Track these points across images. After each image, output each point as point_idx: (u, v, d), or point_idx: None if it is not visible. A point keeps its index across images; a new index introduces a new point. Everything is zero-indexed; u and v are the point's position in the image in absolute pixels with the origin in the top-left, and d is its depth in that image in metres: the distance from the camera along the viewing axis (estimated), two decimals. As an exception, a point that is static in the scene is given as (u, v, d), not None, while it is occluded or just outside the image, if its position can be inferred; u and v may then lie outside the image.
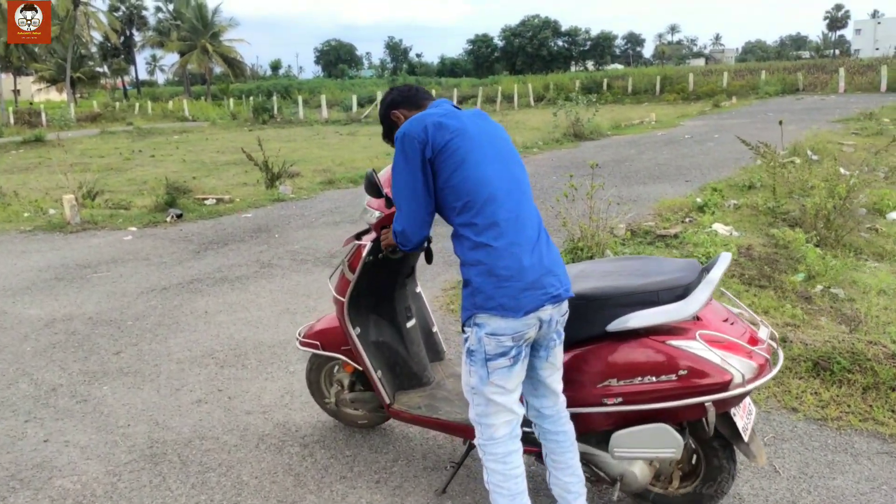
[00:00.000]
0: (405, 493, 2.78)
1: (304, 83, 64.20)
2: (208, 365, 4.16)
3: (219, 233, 7.95)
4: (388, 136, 2.38)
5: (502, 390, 2.15)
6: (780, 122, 10.43)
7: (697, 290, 2.23)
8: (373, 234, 2.63)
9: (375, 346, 2.87)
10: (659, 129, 18.61)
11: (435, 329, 3.16)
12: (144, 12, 65.78)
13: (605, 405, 2.32)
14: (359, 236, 2.71)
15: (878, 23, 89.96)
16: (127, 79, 70.59)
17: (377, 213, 2.58)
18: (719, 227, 6.59)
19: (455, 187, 2.09)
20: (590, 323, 2.27)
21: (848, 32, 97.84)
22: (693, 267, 2.35)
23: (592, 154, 13.30)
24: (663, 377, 2.21)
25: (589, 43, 78.30)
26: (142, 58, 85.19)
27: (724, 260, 2.31)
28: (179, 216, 8.82)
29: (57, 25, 38.27)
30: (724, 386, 2.16)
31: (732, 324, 2.35)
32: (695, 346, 2.19)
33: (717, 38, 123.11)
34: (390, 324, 2.94)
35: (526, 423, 2.33)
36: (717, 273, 2.23)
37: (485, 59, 77.53)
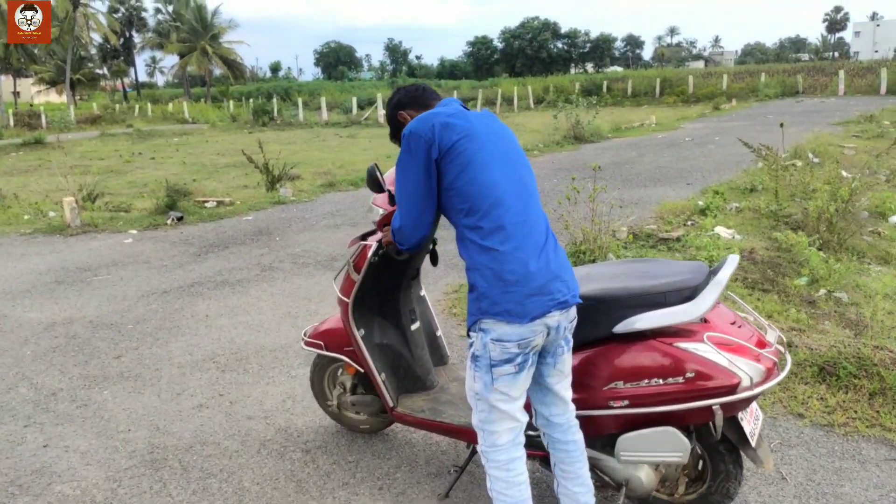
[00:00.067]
0: (408, 500, 2.75)
1: (303, 85, 64.19)
2: (209, 369, 4.13)
3: (219, 236, 7.92)
4: (396, 136, 2.33)
5: (506, 397, 2.12)
6: (782, 125, 10.42)
7: (705, 292, 2.21)
8: (379, 235, 2.61)
9: (379, 348, 2.84)
10: (659, 132, 18.60)
11: (439, 333, 3.13)
12: (144, 14, 65.89)
13: (612, 408, 2.29)
14: (364, 237, 2.69)
15: (878, 25, 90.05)
16: (127, 81, 70.58)
17: (381, 211, 2.56)
18: (721, 231, 6.57)
19: (461, 189, 2.06)
20: (596, 325, 2.25)
21: (847, 35, 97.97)
22: (700, 269, 2.33)
23: (593, 156, 13.28)
24: (670, 380, 2.19)
25: (588, 45, 78.41)
26: (141, 60, 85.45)
27: (732, 262, 2.29)
28: (180, 219, 8.80)
29: (56, 27, 38.28)
30: (732, 389, 2.14)
31: (740, 327, 2.33)
32: (702, 349, 2.17)
33: (717, 40, 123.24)
34: (394, 326, 2.92)
35: (530, 426, 2.30)
36: (724, 275, 2.22)
37: (484, 61, 77.61)
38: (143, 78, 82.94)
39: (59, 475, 3.04)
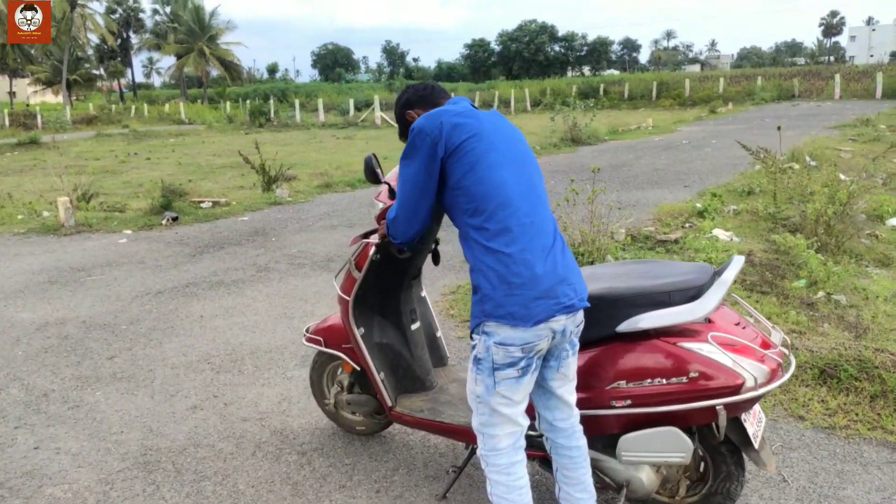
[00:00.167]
0: (406, 503, 2.71)
1: (300, 87, 64.17)
2: (204, 370, 4.09)
3: (215, 236, 7.87)
4: (404, 135, 2.28)
5: (508, 401, 2.07)
6: (779, 128, 10.42)
7: (710, 292, 2.18)
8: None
9: (379, 347, 2.81)
10: (656, 135, 18.62)
11: (439, 334, 3.10)
12: (141, 15, 65.74)
13: (614, 407, 2.26)
14: (366, 235, 2.66)
15: (873, 30, 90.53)
16: (123, 81, 70.43)
17: (381, 205, 2.54)
18: (720, 233, 6.55)
19: (468, 189, 2.01)
20: (600, 324, 2.21)
21: (843, 39, 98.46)
22: (705, 270, 2.30)
23: (590, 159, 13.27)
24: (674, 379, 2.16)
25: (585, 48, 78.54)
26: (138, 60, 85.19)
27: (737, 263, 2.27)
28: (175, 219, 8.75)
29: (54, 27, 38.16)
30: (736, 389, 2.11)
31: (744, 328, 2.30)
32: (706, 349, 2.14)
33: (713, 44, 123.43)
34: (395, 326, 2.88)
35: (530, 426, 2.26)
36: (730, 275, 2.19)
37: (481, 63, 77.68)
38: (139, 79, 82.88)
39: (51, 477, 2.99)
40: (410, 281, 2.90)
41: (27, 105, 46.32)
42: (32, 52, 45.91)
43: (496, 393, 2.06)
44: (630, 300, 2.22)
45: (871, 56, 72.79)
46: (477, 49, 78.93)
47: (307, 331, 3.11)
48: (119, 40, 59.90)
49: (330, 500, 2.75)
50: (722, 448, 2.32)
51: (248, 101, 40.84)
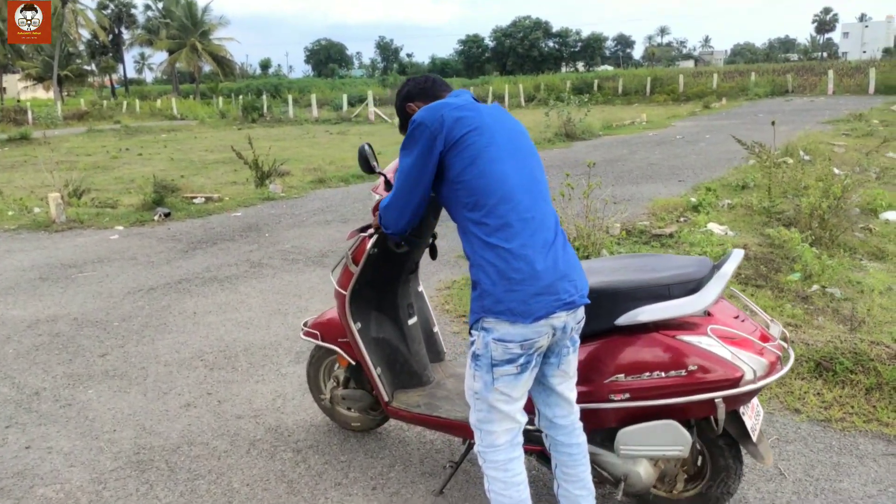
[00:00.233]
0: (403, 500, 2.69)
1: (293, 82, 63.93)
2: (197, 367, 4.05)
3: (208, 232, 7.82)
4: (404, 128, 2.24)
5: (507, 398, 2.05)
6: (773, 123, 10.44)
7: (710, 284, 2.17)
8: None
9: (376, 342, 2.78)
10: (650, 130, 18.63)
11: (436, 329, 3.08)
12: (133, 10, 65.38)
13: (613, 401, 2.24)
14: (363, 230, 2.63)
15: (866, 26, 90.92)
16: (115, 77, 70.07)
17: (377, 197, 2.52)
18: (714, 227, 6.55)
19: (468, 183, 1.98)
20: (599, 317, 2.19)
21: (836, 35, 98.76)
22: (704, 263, 2.29)
23: (585, 154, 13.26)
24: (673, 372, 2.15)
25: (579, 44, 78.57)
26: (130, 56, 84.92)
27: (737, 256, 2.26)
28: (167, 215, 8.69)
29: (44, 23, 37.83)
30: (735, 382, 2.10)
31: (743, 321, 2.29)
32: (706, 342, 2.13)
33: (707, 40, 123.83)
34: (392, 321, 2.86)
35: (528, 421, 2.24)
36: (729, 268, 2.18)
37: (476, 59, 77.60)
38: (131, 74, 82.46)
39: (42, 477, 2.95)
40: (408, 275, 2.87)
41: (18, 101, 45.91)
42: (23, 47, 45.50)
43: (494, 389, 2.04)
44: (629, 293, 2.20)
45: (864, 52, 73.12)
46: (471, 45, 78.85)
47: (305, 325, 3.09)
48: (111, 36, 59.53)
49: (326, 498, 2.73)
50: (720, 442, 2.31)
51: (240, 97, 40.63)
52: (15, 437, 3.29)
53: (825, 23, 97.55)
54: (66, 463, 3.06)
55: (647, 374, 2.17)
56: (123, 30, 65.15)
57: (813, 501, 2.59)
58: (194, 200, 9.64)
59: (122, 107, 41.36)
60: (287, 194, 10.20)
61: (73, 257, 6.79)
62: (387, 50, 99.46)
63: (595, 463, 2.36)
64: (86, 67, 58.62)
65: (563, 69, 73.82)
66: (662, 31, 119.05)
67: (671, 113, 24.91)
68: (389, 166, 2.49)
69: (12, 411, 3.57)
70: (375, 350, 2.77)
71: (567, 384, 2.17)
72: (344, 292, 2.66)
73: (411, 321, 2.90)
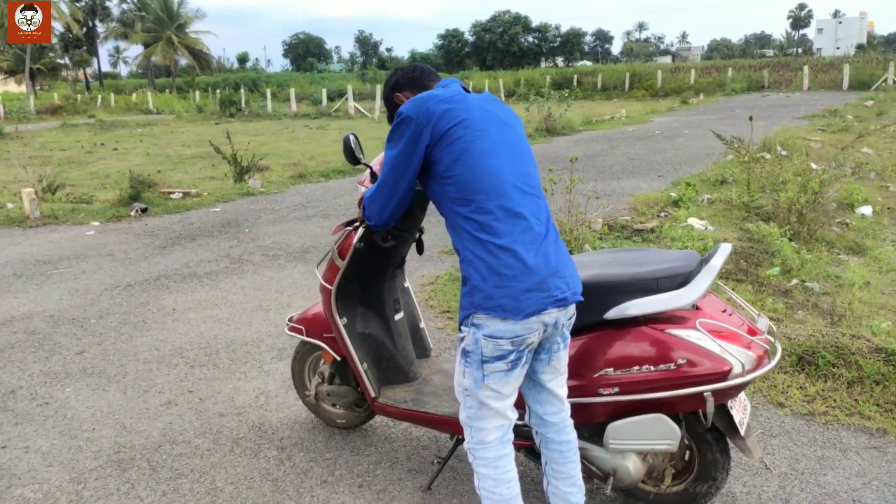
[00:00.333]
0: (390, 497, 2.67)
1: (272, 76, 63.28)
2: (177, 365, 3.99)
3: (186, 227, 7.71)
4: (392, 119, 2.19)
5: (497, 395, 2.02)
6: (751, 118, 10.56)
7: (698, 278, 2.17)
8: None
9: (362, 337, 2.75)
10: (629, 125, 18.74)
11: (422, 325, 3.05)
12: (108, 3, 64.05)
13: (602, 395, 2.24)
14: (350, 223, 2.59)
15: (840, 22, 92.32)
16: (89, 71, 68.67)
17: (363, 189, 2.48)
18: (694, 222, 6.60)
19: (458, 177, 1.95)
20: (587, 311, 2.18)
21: (810, 31, 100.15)
22: (692, 257, 2.29)
23: (565, 149, 13.29)
24: (662, 366, 2.15)
25: (559, 39, 78.75)
26: (105, 49, 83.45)
27: (724, 250, 2.26)
28: (144, 210, 8.55)
29: (14, 14, 37.02)
30: (724, 376, 2.11)
31: (730, 315, 2.30)
32: (695, 335, 2.13)
33: (684, 35, 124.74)
34: (378, 316, 2.82)
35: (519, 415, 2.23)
36: (717, 261, 2.18)
37: (455, 54, 77.42)
38: (106, 68, 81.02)
39: (20, 478, 2.88)
40: (394, 270, 2.84)
41: (-12, 94, 44.95)
42: (-8, 39, 44.52)
43: (485, 386, 2.02)
44: (618, 287, 2.20)
45: (838, 48, 74.20)
46: (451, 39, 78.65)
47: (289, 320, 3.05)
48: (84, 29, 58.33)
49: (311, 496, 2.70)
50: (708, 436, 2.32)
51: (217, 91, 40.08)
52: (-10, 438, 3.21)
53: (800, 19, 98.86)
54: (44, 462, 2.99)
55: (637, 367, 2.17)
56: (98, 22, 63.82)
57: (798, 495, 2.61)
58: (172, 196, 9.50)
59: (97, 101, 40.67)
60: (267, 189, 10.09)
61: (48, 253, 6.65)
62: (366, 44, 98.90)
63: (584, 458, 2.36)
64: (59, 61, 57.61)
65: (543, 64, 73.92)
66: (640, 27, 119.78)
67: (650, 108, 25.09)
68: (376, 159, 2.46)
69: (-13, 411, 3.48)
70: (361, 345, 2.73)
71: (557, 381, 2.15)
72: (330, 287, 2.63)
73: (398, 316, 2.87)
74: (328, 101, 33.02)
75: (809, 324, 4.01)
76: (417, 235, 2.67)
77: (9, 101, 36.21)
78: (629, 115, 21.62)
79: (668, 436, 2.20)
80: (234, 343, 4.28)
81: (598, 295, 2.19)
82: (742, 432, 2.28)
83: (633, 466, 2.31)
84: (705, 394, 2.12)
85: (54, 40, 54.78)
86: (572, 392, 2.24)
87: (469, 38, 77.88)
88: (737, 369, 2.11)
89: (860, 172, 9.27)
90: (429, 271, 5.55)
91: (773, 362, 2.21)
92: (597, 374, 2.23)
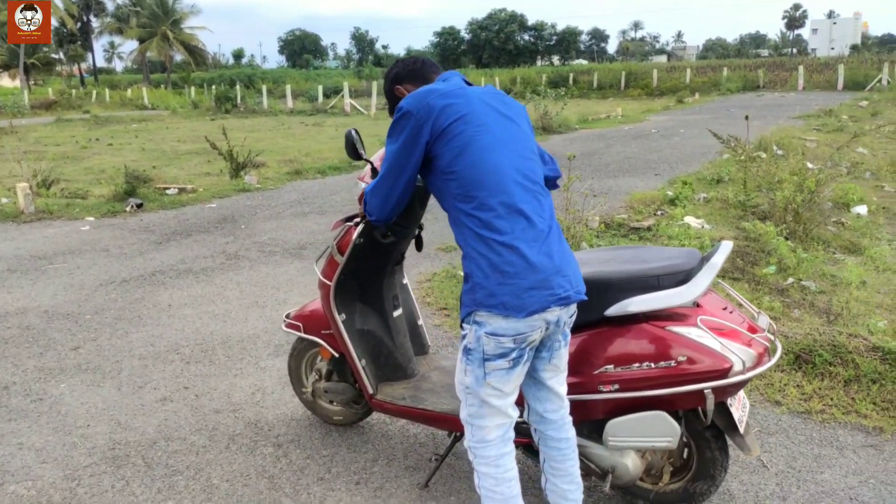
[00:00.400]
0: (387, 495, 2.65)
1: (267, 73, 63.17)
2: (173, 361, 3.96)
3: (182, 223, 7.67)
4: (393, 112, 2.16)
5: (499, 393, 2.01)
6: (747, 118, 10.55)
7: (699, 275, 2.17)
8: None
9: (360, 334, 2.73)
10: (625, 124, 18.76)
11: (420, 322, 3.04)
12: (102, -2, 63.70)
13: (602, 392, 2.23)
14: (349, 219, 2.58)
15: (834, 23, 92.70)
16: (84, 66, 68.34)
17: (363, 185, 2.46)
18: (691, 220, 6.61)
19: (459, 173, 1.92)
20: (588, 308, 2.17)
21: (805, 32, 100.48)
22: (693, 254, 2.29)
23: (562, 147, 13.28)
24: (662, 363, 2.14)
25: (555, 38, 78.84)
26: (99, 45, 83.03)
27: (725, 248, 2.25)
28: (139, 206, 8.51)
29: (8, 8, 36.79)
30: (724, 373, 2.10)
31: (731, 312, 2.30)
32: (695, 333, 2.13)
33: (679, 35, 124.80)
34: (377, 312, 2.81)
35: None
36: (718, 259, 2.17)
37: (451, 51, 77.37)
38: (101, 63, 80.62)
39: (13, 474, 2.86)
40: (394, 266, 2.83)
41: (-18, 89, 44.66)
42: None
43: (486, 384, 2.00)
44: (619, 284, 2.19)
45: (833, 49, 74.51)
46: (447, 37, 78.62)
47: (287, 316, 3.03)
48: (79, 24, 58.00)
49: (308, 493, 2.68)
50: (706, 433, 2.31)
51: (213, 87, 39.93)
52: (-17, 434, 3.18)
53: (795, 19, 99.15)
54: (37, 459, 2.96)
55: (637, 364, 2.16)
56: (92, 17, 63.41)
57: (795, 493, 2.61)
58: (167, 191, 9.46)
59: (92, 96, 40.42)
60: (263, 186, 10.06)
61: (43, 249, 6.61)
62: (362, 41, 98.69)
63: (582, 455, 2.35)
64: (53, 56, 57.22)
65: (539, 63, 74.03)
66: (636, 26, 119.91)
67: (646, 107, 25.12)
68: (377, 154, 2.44)
69: (-20, 407, 3.45)
70: (360, 342, 2.72)
71: (558, 378, 2.14)
72: (329, 283, 2.61)
73: (396, 313, 2.86)
74: (324, 98, 32.94)
75: (806, 322, 4.01)
76: (417, 232, 2.66)
77: (3, 95, 36.01)
78: (625, 113, 21.64)
79: (668, 433, 2.20)
80: (230, 339, 4.26)
81: (599, 292, 2.18)
82: (741, 430, 2.28)
83: (631, 464, 2.30)
84: (706, 391, 2.11)
85: (49, 35, 54.49)
86: (572, 389, 2.23)
87: (465, 35, 77.88)
88: (737, 367, 2.10)
89: (855, 172, 9.29)
90: (426, 268, 5.54)
91: (774, 360, 2.21)
92: (597, 371, 2.22)
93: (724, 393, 2.17)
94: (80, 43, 63.67)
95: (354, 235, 2.51)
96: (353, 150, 2.37)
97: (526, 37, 76.87)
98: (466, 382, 2.05)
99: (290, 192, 9.57)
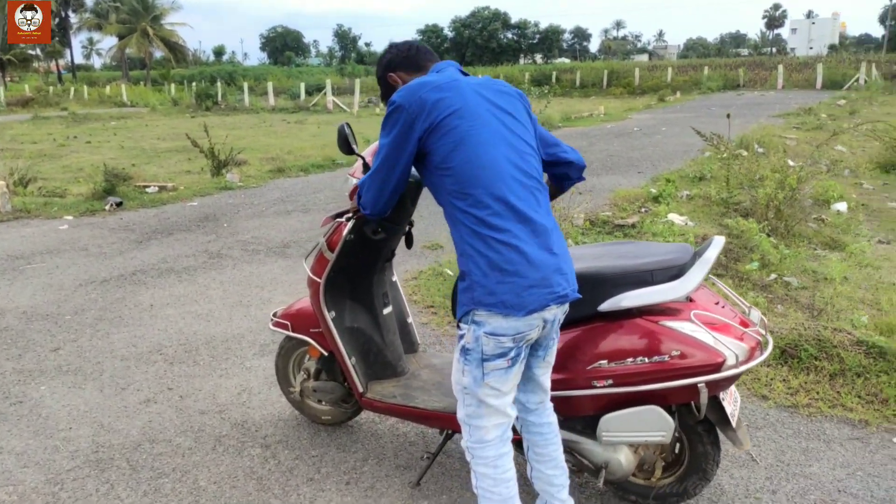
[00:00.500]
0: (378, 495, 2.63)
1: (249, 70, 62.66)
2: (156, 362, 3.90)
3: (162, 222, 7.57)
4: (386, 99, 2.11)
5: (497, 392, 1.98)
6: (728, 116, 10.67)
7: (692, 270, 2.17)
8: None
9: (350, 331, 2.70)
10: (608, 122, 18.84)
11: (410, 320, 3.02)
12: (80, -8, 62.75)
13: (595, 388, 2.22)
14: (339, 216, 2.54)
15: (813, 23, 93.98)
16: (62, 62, 67.30)
17: (354, 181, 2.43)
18: (675, 217, 6.64)
19: (454, 169, 1.88)
20: (581, 304, 2.15)
21: (784, 31, 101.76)
22: (685, 249, 2.29)
23: (545, 145, 13.30)
24: (656, 358, 2.14)
25: (538, 36, 79.07)
26: (78, 41, 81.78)
27: (718, 243, 2.26)
28: (119, 204, 8.38)
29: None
30: (718, 367, 2.10)
31: (723, 307, 2.31)
32: (689, 327, 2.13)
33: (661, 34, 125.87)
34: (367, 310, 2.78)
35: None
36: (711, 254, 2.18)
37: (434, 49, 77.09)
38: (79, 60, 79.47)
39: (-8, 478, 2.79)
40: (384, 263, 2.80)
41: (-45, 86, 43.81)
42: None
43: (485, 384, 1.97)
44: (612, 279, 2.18)
45: (811, 48, 75.52)
46: (430, 35, 78.50)
47: (274, 315, 2.99)
48: (57, 19, 57.13)
49: (297, 494, 2.65)
50: (699, 428, 2.32)
51: (193, 84, 39.57)
52: (-39, 438, 3.11)
53: (774, 19, 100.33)
54: (18, 463, 2.90)
55: (631, 359, 2.16)
56: (71, 13, 62.49)
57: (785, 486, 2.63)
58: (147, 190, 9.33)
59: (70, 93, 39.83)
60: (245, 184, 9.96)
61: (21, 248, 6.49)
62: (345, 38, 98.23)
63: (576, 451, 2.35)
64: (30, 52, 56.22)
65: (522, 61, 74.21)
66: (618, 25, 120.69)
67: (628, 105, 25.27)
68: (368, 148, 2.41)
69: (-42, 410, 3.37)
70: (350, 340, 2.69)
71: (548, 373, 2.14)
72: (318, 280, 2.57)
73: (386, 311, 2.83)
74: (306, 96, 32.74)
75: (791, 318, 4.05)
76: (407, 228, 2.63)
77: (-23, 92, 35.38)
78: (607, 112, 21.74)
79: (661, 427, 2.20)
80: (215, 339, 4.20)
81: (592, 287, 2.17)
82: (733, 424, 2.28)
83: (624, 459, 2.30)
84: (699, 385, 2.11)
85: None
86: (566, 385, 2.22)
87: (448, 33, 77.85)
88: (730, 361, 2.11)
89: (835, 170, 9.41)
90: (412, 266, 5.51)
91: (765, 354, 2.22)
92: (590, 367, 2.21)
93: (717, 387, 2.17)
94: (58, 39, 62.67)
95: (345, 232, 2.48)
96: (346, 144, 2.33)
97: (509, 35, 77.00)
98: (464, 383, 2.02)
99: (273, 191, 9.49)
